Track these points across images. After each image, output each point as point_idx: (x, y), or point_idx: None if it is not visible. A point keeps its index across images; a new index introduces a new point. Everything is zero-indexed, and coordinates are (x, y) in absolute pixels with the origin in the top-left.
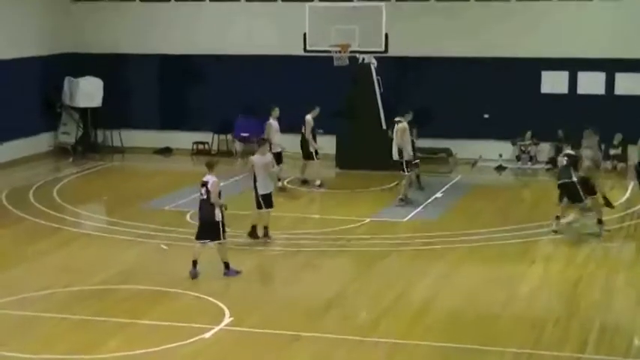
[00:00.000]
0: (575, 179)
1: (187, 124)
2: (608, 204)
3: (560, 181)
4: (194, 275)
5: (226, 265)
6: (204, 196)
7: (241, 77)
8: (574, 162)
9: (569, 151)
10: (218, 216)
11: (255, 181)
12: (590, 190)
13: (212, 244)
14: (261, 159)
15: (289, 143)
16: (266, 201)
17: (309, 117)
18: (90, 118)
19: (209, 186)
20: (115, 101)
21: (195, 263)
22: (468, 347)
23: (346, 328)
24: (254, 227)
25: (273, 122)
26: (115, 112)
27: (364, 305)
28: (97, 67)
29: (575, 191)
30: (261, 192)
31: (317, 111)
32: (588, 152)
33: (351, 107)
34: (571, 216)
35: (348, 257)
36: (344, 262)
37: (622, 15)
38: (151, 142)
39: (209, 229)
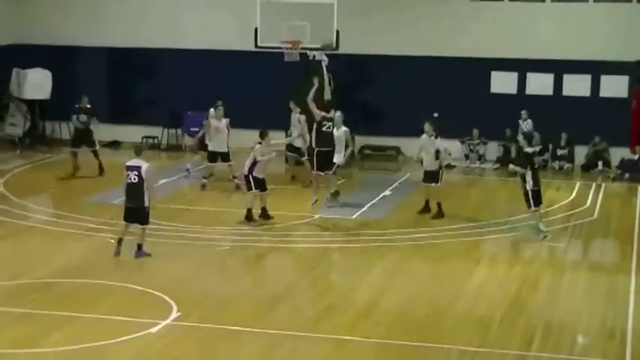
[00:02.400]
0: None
1: (137, 117)
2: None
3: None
4: (118, 253)
5: (139, 247)
6: (135, 180)
7: (191, 72)
8: None
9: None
10: (147, 201)
11: (253, 165)
12: None
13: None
14: (263, 149)
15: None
16: (260, 184)
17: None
18: (38, 110)
19: (143, 171)
20: (63, 93)
21: (120, 241)
22: (414, 344)
23: (292, 323)
24: (249, 210)
25: (212, 120)
26: (63, 105)
27: (310, 301)
28: (46, 58)
29: None
30: (256, 175)
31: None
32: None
33: (301, 104)
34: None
35: (296, 253)
36: (291, 257)
37: (571, 17)
38: (99, 135)
39: (138, 213)
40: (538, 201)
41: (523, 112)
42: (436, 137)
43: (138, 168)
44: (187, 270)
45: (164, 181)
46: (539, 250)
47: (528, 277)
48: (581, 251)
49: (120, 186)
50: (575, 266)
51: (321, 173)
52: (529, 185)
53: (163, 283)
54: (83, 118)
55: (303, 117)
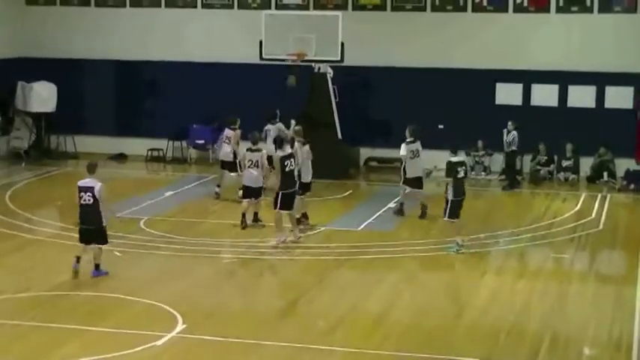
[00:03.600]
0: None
1: (142, 130)
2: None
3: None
4: (77, 270)
5: (97, 267)
6: (89, 202)
7: (196, 84)
8: None
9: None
10: (105, 220)
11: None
12: None
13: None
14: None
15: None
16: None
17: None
18: (44, 123)
19: (96, 192)
20: (69, 106)
21: (78, 259)
22: (423, 356)
23: (301, 336)
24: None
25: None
26: (69, 118)
27: (320, 314)
28: (52, 71)
29: None
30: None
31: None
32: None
33: (306, 116)
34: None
35: (303, 265)
36: (298, 270)
37: (576, 28)
38: (105, 148)
39: (97, 233)
40: (456, 213)
41: (509, 122)
42: (408, 144)
43: (91, 189)
44: (193, 282)
45: (169, 193)
46: (545, 262)
47: (535, 288)
48: (588, 262)
49: (125, 200)
50: (582, 277)
51: (285, 212)
52: (449, 195)
53: (169, 295)
54: None
55: (306, 148)
